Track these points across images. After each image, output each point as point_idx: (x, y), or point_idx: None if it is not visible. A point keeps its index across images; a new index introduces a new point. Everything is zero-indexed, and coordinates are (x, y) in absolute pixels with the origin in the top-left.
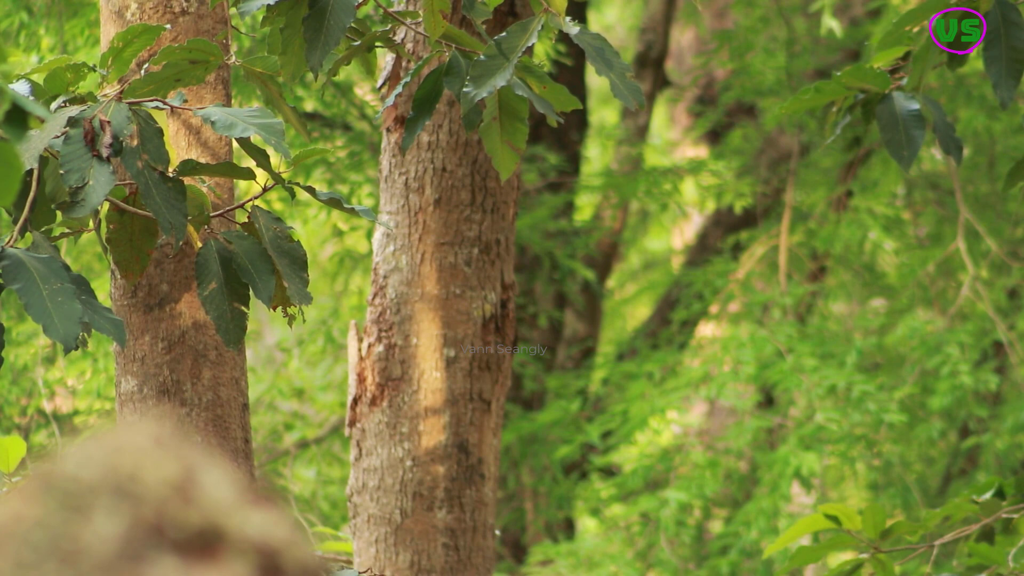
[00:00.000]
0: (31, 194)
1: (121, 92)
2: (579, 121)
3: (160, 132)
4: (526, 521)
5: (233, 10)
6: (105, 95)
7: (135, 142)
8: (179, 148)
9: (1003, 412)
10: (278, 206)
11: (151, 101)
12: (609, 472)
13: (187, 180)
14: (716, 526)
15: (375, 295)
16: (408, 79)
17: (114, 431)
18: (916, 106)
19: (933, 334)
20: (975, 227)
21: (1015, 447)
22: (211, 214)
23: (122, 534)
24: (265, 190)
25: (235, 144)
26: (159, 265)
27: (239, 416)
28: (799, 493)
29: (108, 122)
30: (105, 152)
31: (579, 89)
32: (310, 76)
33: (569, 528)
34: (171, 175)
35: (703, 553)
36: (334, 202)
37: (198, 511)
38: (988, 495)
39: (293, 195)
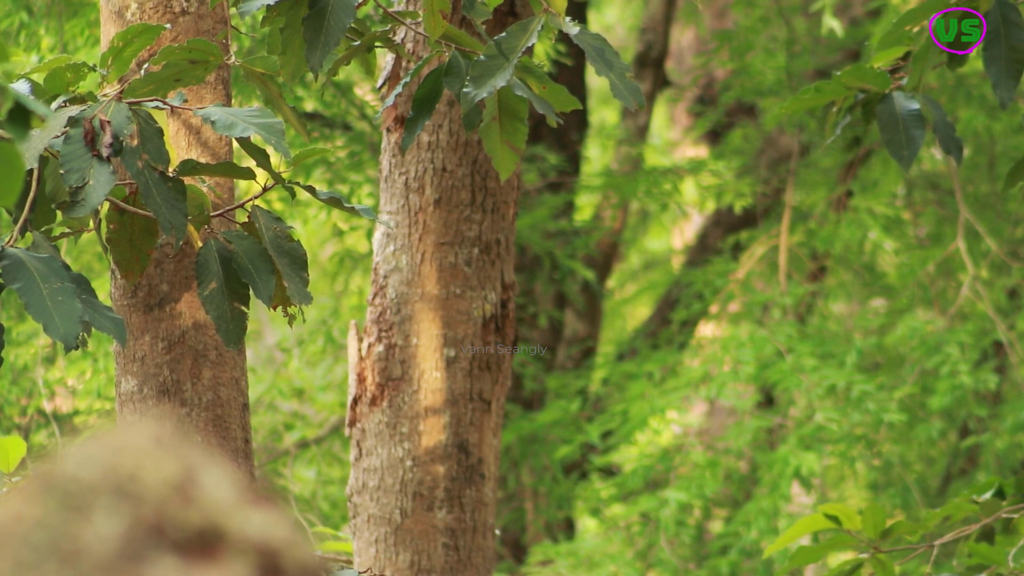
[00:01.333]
0: (31, 194)
1: (121, 92)
2: (579, 121)
3: (160, 132)
4: (526, 521)
5: (233, 10)
6: (105, 95)
7: (135, 142)
8: (179, 148)
9: (1003, 412)
10: (278, 206)
11: (151, 101)
12: (609, 472)
13: (187, 180)
14: (716, 526)
15: (375, 295)
16: (408, 79)
17: (114, 431)
18: (916, 106)
19: (933, 334)
20: (975, 227)
21: (1015, 447)
22: (211, 214)
23: (122, 534)
24: (265, 190)
25: (235, 144)
26: (159, 265)
27: (239, 416)
28: (799, 493)
29: (108, 122)
30: (105, 152)
31: (579, 89)
32: (310, 76)
33: (569, 528)
34: (171, 175)
35: (703, 553)
36: (334, 202)
37: (198, 511)
38: (988, 495)
39: (293, 195)
